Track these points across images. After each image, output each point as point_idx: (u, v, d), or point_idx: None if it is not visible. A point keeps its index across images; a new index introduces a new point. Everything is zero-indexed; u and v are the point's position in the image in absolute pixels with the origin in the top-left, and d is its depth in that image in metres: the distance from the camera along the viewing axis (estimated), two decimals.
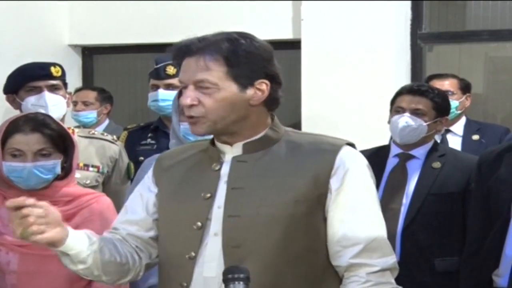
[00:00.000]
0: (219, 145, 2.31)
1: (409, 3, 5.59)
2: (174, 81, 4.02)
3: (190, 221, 2.25)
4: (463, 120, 4.88)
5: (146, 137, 4.09)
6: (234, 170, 2.26)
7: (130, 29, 6.01)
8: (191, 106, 2.21)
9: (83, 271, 2.27)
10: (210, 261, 2.22)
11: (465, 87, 4.91)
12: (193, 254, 2.23)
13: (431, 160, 3.74)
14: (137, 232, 2.37)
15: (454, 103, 4.77)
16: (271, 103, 2.28)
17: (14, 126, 2.87)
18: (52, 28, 6.02)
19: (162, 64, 4.06)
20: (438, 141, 4.68)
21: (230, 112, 2.21)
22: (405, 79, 5.43)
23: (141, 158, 3.79)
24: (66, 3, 6.07)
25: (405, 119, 3.72)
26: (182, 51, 2.24)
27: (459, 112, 4.84)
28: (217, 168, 2.28)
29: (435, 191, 3.65)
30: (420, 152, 3.78)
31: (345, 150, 2.27)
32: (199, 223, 2.24)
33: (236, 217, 2.21)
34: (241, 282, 2.01)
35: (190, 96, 2.21)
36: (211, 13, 5.74)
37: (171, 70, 4.04)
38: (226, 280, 2.02)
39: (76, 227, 2.81)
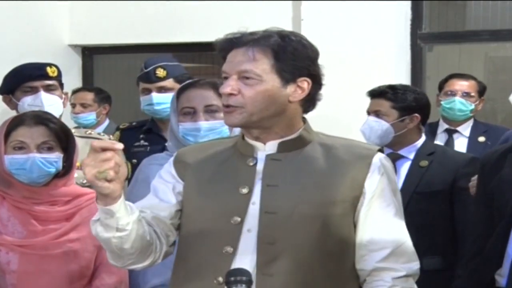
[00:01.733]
0: (250, 141, 2.31)
1: (409, 3, 5.59)
2: (166, 83, 4.01)
3: (227, 216, 2.25)
4: (470, 121, 4.88)
5: (138, 138, 4.05)
6: (268, 167, 2.27)
7: (130, 29, 6.00)
8: (230, 95, 2.23)
9: (116, 240, 2.18)
10: (244, 257, 2.22)
11: (482, 90, 4.93)
12: (230, 249, 2.23)
13: (419, 158, 3.78)
14: (162, 217, 2.33)
15: (471, 105, 4.81)
16: (308, 104, 2.30)
17: (18, 120, 2.89)
18: (52, 28, 6.02)
19: (151, 68, 4.03)
20: (443, 141, 4.71)
21: (268, 105, 2.23)
22: (405, 79, 5.43)
23: (134, 160, 3.78)
24: (66, 3, 6.07)
25: (367, 122, 3.84)
26: (231, 43, 2.26)
27: (471, 114, 4.85)
28: (252, 163, 2.29)
29: (421, 189, 3.68)
30: (409, 151, 3.82)
31: (379, 156, 2.31)
32: (237, 218, 2.24)
33: (273, 214, 2.22)
34: (244, 285, 2.03)
35: (231, 85, 2.23)
36: (211, 13, 5.75)
37: (161, 72, 4.02)
38: (228, 283, 2.03)
39: (76, 226, 2.87)
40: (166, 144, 3.18)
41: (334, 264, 2.24)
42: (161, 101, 3.98)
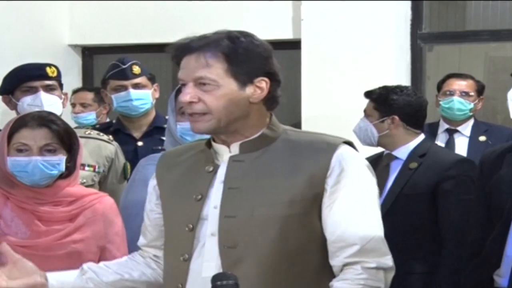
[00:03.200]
0: (215, 145, 2.31)
1: (409, 3, 5.60)
2: (141, 80, 4.06)
3: (183, 222, 2.27)
4: (471, 121, 4.88)
5: None
6: (231, 170, 2.26)
7: (130, 29, 6.01)
8: (191, 103, 2.22)
9: None
10: (209, 261, 2.22)
11: (481, 89, 4.93)
12: (186, 255, 2.24)
13: (410, 160, 3.80)
14: (154, 247, 2.44)
15: (469, 104, 4.82)
16: (270, 102, 2.27)
17: (21, 122, 2.88)
18: (52, 28, 6.03)
19: (128, 64, 4.07)
20: (444, 141, 4.71)
21: (232, 109, 2.21)
22: (405, 79, 5.43)
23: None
24: (66, 3, 6.07)
25: (358, 123, 3.94)
26: (182, 49, 2.24)
27: (471, 114, 4.85)
28: (210, 169, 2.28)
29: (407, 191, 3.69)
30: (402, 152, 3.85)
31: (342, 150, 2.24)
32: (190, 225, 2.25)
33: (232, 217, 2.21)
34: None
35: (189, 93, 2.21)
36: (211, 13, 5.74)
37: (136, 69, 4.06)
38: (215, 287, 2.03)
39: (80, 227, 2.86)
40: (164, 143, 3.17)
41: (299, 263, 2.21)
42: (139, 97, 4.02)
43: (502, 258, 2.85)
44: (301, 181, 2.20)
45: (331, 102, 5.49)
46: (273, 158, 2.25)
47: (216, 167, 2.28)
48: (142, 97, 4.01)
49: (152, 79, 4.14)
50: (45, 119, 2.88)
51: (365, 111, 3.94)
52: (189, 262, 2.24)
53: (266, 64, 2.25)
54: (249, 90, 2.23)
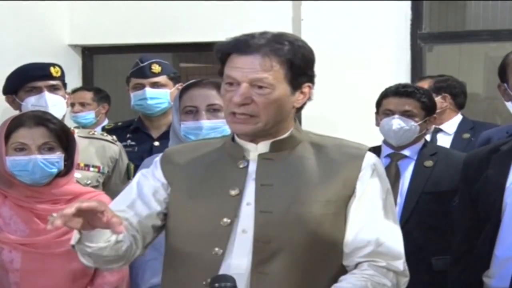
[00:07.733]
0: (241, 142, 2.30)
1: (409, 3, 5.60)
2: (160, 79, 4.06)
3: (217, 218, 2.24)
4: (458, 118, 4.85)
5: (125, 138, 4.06)
6: (261, 167, 2.26)
7: (130, 29, 6.00)
8: (243, 104, 2.21)
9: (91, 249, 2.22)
10: (239, 258, 2.21)
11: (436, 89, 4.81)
12: (220, 250, 2.22)
13: (423, 159, 3.77)
14: (144, 218, 2.33)
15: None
16: (303, 106, 2.30)
17: (18, 122, 2.89)
18: (52, 28, 6.01)
19: (147, 63, 4.07)
20: (428, 139, 4.69)
21: (279, 113, 2.23)
22: (405, 79, 5.42)
23: None
24: (66, 3, 6.06)
25: (397, 122, 3.76)
26: (238, 48, 2.22)
27: None
28: (242, 165, 2.28)
29: (429, 189, 3.68)
30: (412, 151, 3.81)
31: (369, 155, 2.30)
32: (227, 220, 2.23)
33: (268, 213, 2.22)
34: None
35: (244, 94, 2.19)
36: (211, 13, 5.75)
37: (156, 68, 4.06)
38: None
39: None
40: (169, 143, 3.18)
41: (331, 263, 2.25)
42: (154, 96, 4.02)
43: (491, 259, 2.85)
44: (335, 182, 2.24)
45: (331, 102, 5.48)
46: (303, 158, 2.27)
47: (248, 164, 2.28)
48: (158, 96, 4.01)
49: (175, 79, 4.13)
50: (41, 118, 2.89)
51: (408, 111, 3.77)
52: (222, 258, 2.21)
53: (312, 69, 2.28)
54: (296, 95, 2.25)
